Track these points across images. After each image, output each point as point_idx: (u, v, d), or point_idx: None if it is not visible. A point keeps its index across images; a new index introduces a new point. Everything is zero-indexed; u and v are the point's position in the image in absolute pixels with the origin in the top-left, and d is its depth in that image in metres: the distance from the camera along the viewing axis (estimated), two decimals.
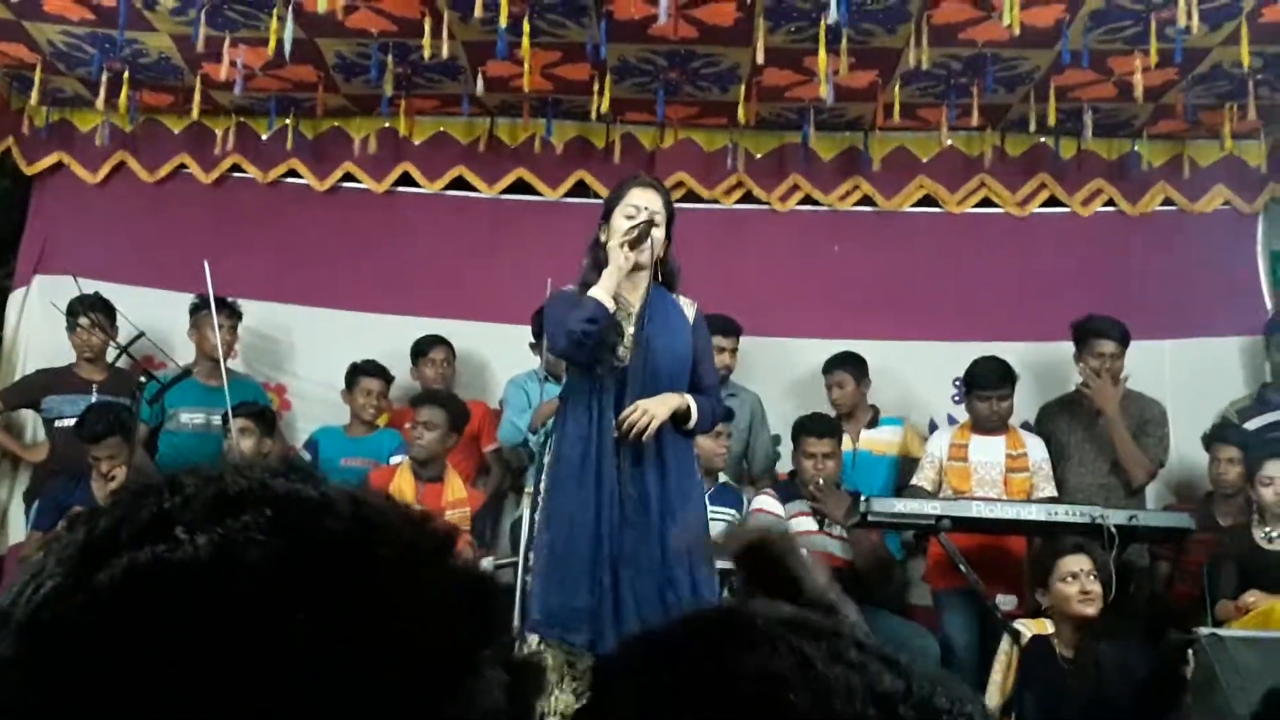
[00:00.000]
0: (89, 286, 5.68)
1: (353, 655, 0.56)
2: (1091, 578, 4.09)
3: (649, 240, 3.62)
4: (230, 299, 5.66)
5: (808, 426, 5.34)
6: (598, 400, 3.61)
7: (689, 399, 3.66)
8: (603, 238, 3.71)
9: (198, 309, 5.60)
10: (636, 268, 3.65)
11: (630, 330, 3.67)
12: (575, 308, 3.60)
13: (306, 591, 0.57)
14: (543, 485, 3.70)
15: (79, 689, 0.55)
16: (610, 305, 3.58)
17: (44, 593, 0.59)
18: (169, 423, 5.66)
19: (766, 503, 5.25)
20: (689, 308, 3.83)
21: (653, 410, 3.54)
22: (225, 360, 5.18)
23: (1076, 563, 4.13)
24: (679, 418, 3.64)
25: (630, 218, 3.64)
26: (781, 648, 0.68)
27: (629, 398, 3.57)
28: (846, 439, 5.52)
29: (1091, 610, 4.06)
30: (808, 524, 5.20)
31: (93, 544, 0.60)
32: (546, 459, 3.72)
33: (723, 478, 5.30)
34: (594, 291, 3.57)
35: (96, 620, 0.56)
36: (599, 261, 3.69)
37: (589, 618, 3.48)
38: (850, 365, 5.66)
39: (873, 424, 5.73)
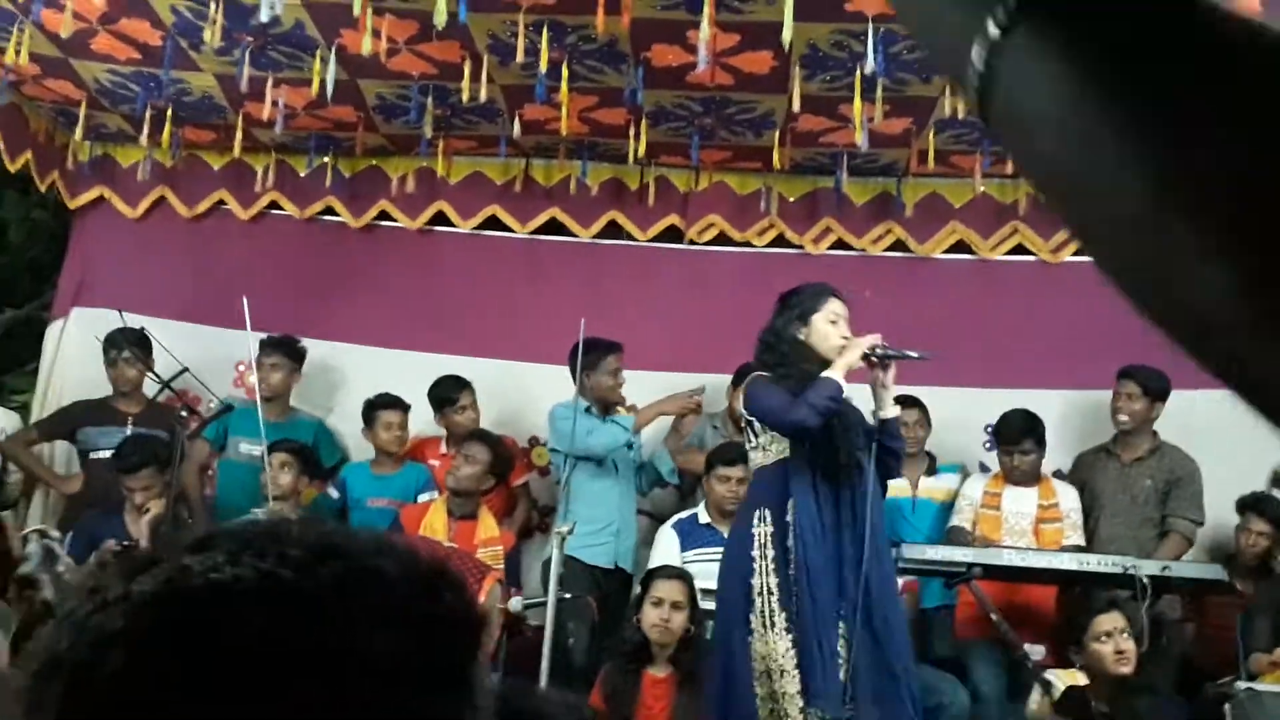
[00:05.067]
0: (130, 320, 5.75)
1: None
2: (1125, 635, 4.07)
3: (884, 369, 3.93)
4: (290, 338, 5.83)
5: None
6: (816, 484, 3.83)
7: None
8: (799, 335, 3.99)
9: (260, 349, 5.72)
10: None
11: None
12: (796, 391, 3.81)
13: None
14: (781, 566, 3.81)
15: None
16: (845, 388, 3.82)
17: None
18: (229, 450, 5.76)
19: None
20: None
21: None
22: (259, 396, 5.28)
23: (1110, 621, 4.11)
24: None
25: (833, 323, 3.98)
26: None
27: (840, 483, 3.82)
28: (905, 485, 5.52)
29: (1127, 669, 4.04)
30: None
31: None
32: (761, 531, 3.86)
33: None
34: (832, 374, 3.82)
35: None
36: (793, 356, 3.94)
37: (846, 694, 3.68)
38: (921, 407, 5.61)
39: (930, 471, 5.72)
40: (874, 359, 3.89)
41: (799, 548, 3.75)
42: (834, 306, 4.01)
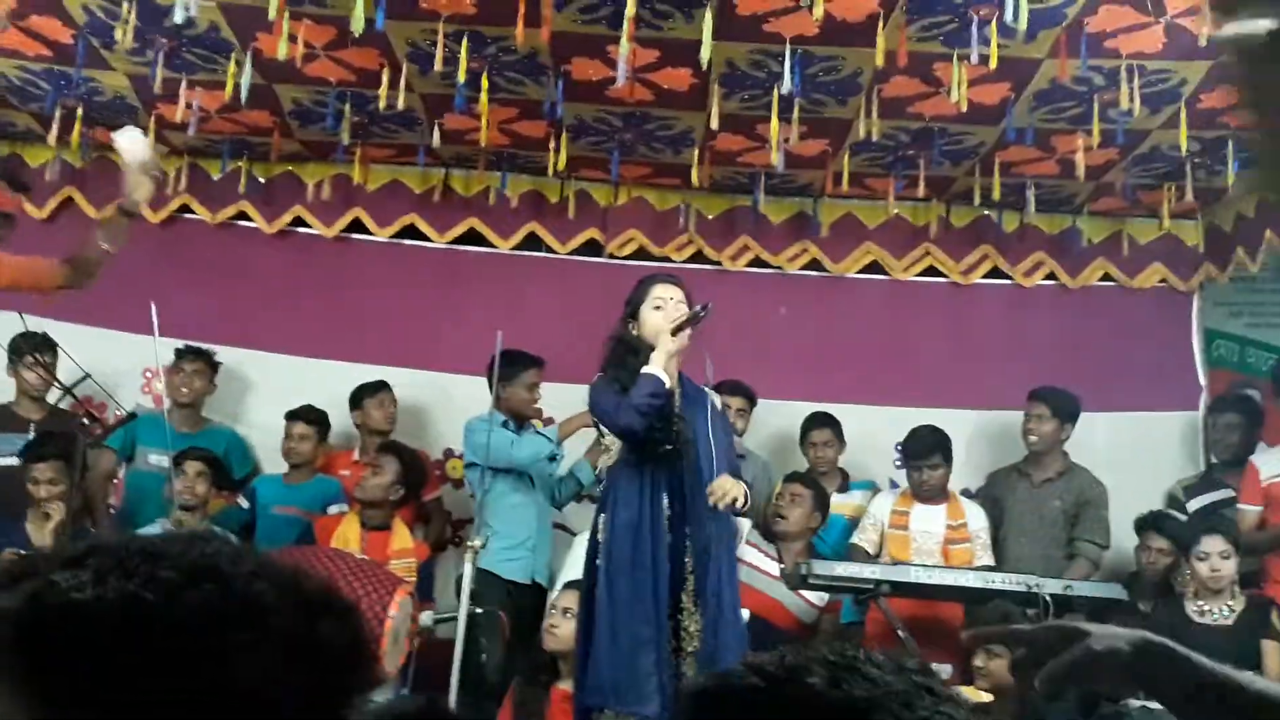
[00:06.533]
0: (33, 324, 5.60)
1: None
2: (989, 654, 4.08)
3: (688, 330, 3.84)
4: (208, 347, 5.81)
5: (793, 474, 5.47)
6: (650, 481, 3.79)
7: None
8: (634, 331, 3.93)
9: (180, 355, 5.66)
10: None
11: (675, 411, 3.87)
12: (624, 390, 3.78)
13: None
14: (600, 565, 3.80)
15: None
16: (668, 381, 3.77)
17: None
18: (136, 460, 5.66)
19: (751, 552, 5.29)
20: (709, 392, 4.06)
21: (734, 488, 3.71)
22: (166, 405, 5.18)
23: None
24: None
25: (659, 308, 3.88)
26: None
27: (682, 476, 3.78)
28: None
29: (983, 685, 4.05)
30: (770, 566, 5.24)
31: None
32: (601, 537, 3.83)
33: None
34: (651, 369, 3.77)
35: None
36: (623, 355, 3.90)
37: (658, 688, 3.63)
38: (834, 425, 5.73)
39: (843, 488, 5.77)
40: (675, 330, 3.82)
41: (610, 544, 3.77)
42: (658, 292, 3.94)
